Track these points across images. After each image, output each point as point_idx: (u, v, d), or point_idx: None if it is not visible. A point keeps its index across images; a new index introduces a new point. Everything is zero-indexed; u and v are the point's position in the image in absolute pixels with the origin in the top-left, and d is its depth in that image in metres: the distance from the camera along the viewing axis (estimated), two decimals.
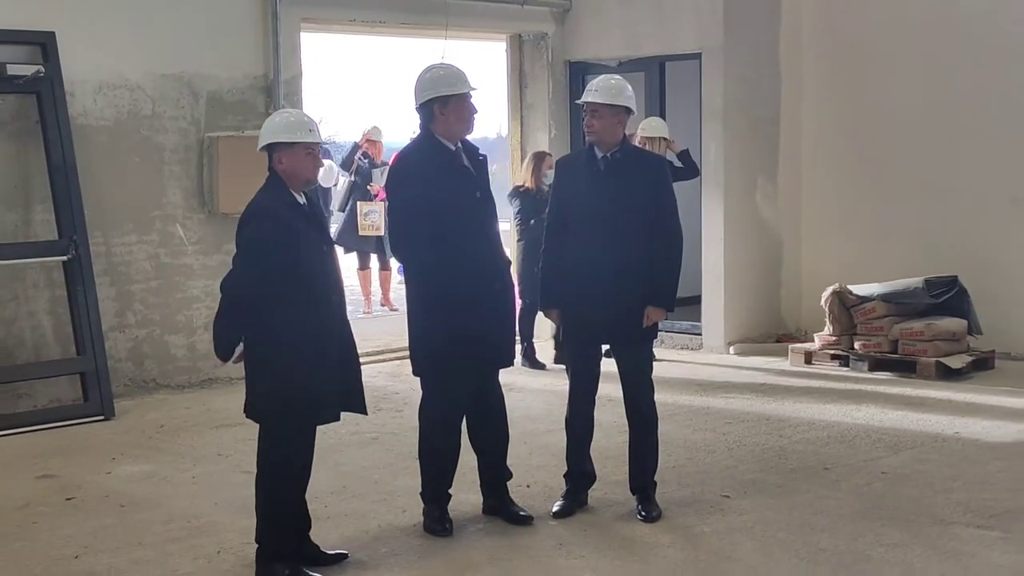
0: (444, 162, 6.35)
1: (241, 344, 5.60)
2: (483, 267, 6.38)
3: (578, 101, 6.70)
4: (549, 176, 9.84)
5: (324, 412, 5.75)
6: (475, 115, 6.43)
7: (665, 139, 10.59)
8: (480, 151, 6.59)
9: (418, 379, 6.51)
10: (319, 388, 5.64)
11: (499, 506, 6.61)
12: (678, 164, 10.56)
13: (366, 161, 14.50)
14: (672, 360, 10.99)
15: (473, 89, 6.38)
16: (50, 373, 9.23)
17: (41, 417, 8.93)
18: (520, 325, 9.99)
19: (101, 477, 7.58)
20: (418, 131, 6.65)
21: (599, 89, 6.60)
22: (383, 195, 12.55)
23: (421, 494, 6.51)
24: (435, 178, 6.30)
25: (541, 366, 10.80)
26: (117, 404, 9.22)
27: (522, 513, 6.55)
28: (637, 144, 10.00)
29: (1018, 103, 10.69)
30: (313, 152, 5.75)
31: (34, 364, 9.23)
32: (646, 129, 10.65)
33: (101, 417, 9.03)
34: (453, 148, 6.38)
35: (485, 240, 6.46)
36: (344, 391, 5.78)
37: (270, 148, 5.69)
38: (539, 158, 10.80)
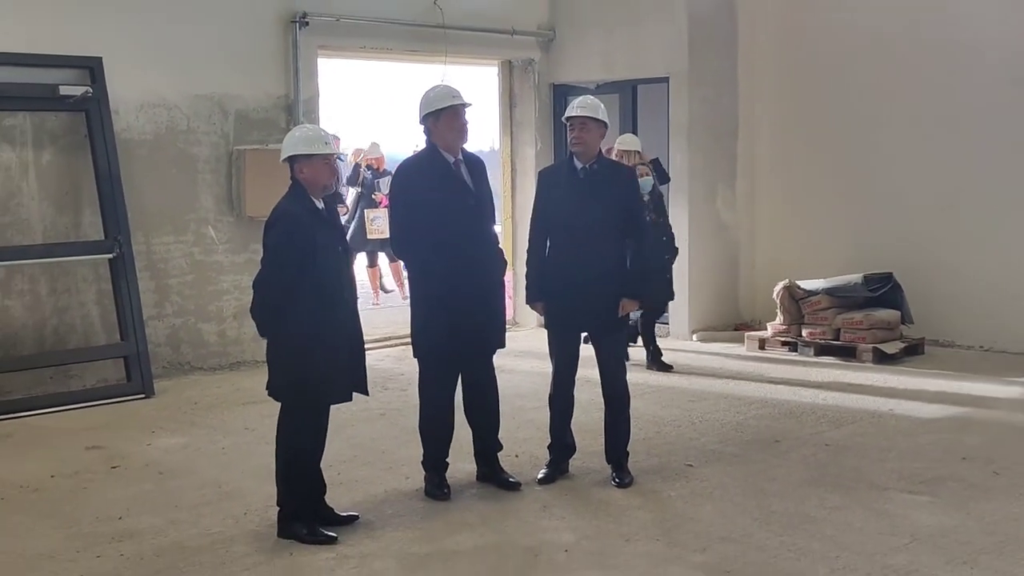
0: (439, 171, 6.34)
1: None
2: (473, 266, 6.34)
3: (566, 116, 6.65)
4: None
5: (335, 394, 5.78)
6: (464, 124, 6.38)
7: (639, 152, 10.57)
8: (479, 159, 6.60)
9: (417, 362, 6.53)
10: (331, 374, 5.66)
11: (491, 474, 6.62)
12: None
13: (370, 173, 14.50)
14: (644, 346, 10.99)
15: (462, 103, 6.34)
16: (97, 357, 9.21)
17: (89, 395, 8.91)
18: (643, 330, 9.98)
19: (142, 448, 7.58)
20: (423, 145, 6.66)
21: (585, 106, 6.60)
22: (386, 202, 12.49)
23: (422, 463, 6.53)
24: (430, 186, 6.30)
25: (668, 368, 9.76)
26: (156, 384, 9.21)
27: (511, 480, 6.56)
28: (614, 157, 10.03)
29: (945, 120, 10.68)
30: (330, 162, 5.78)
31: (84, 349, 9.22)
32: (622, 144, 10.62)
33: (142, 395, 9.02)
34: (452, 159, 6.37)
35: (475, 241, 6.40)
36: (352, 376, 5.80)
37: (292, 159, 5.68)
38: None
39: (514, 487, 6.51)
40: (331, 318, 5.63)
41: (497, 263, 6.62)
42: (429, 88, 6.49)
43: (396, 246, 6.86)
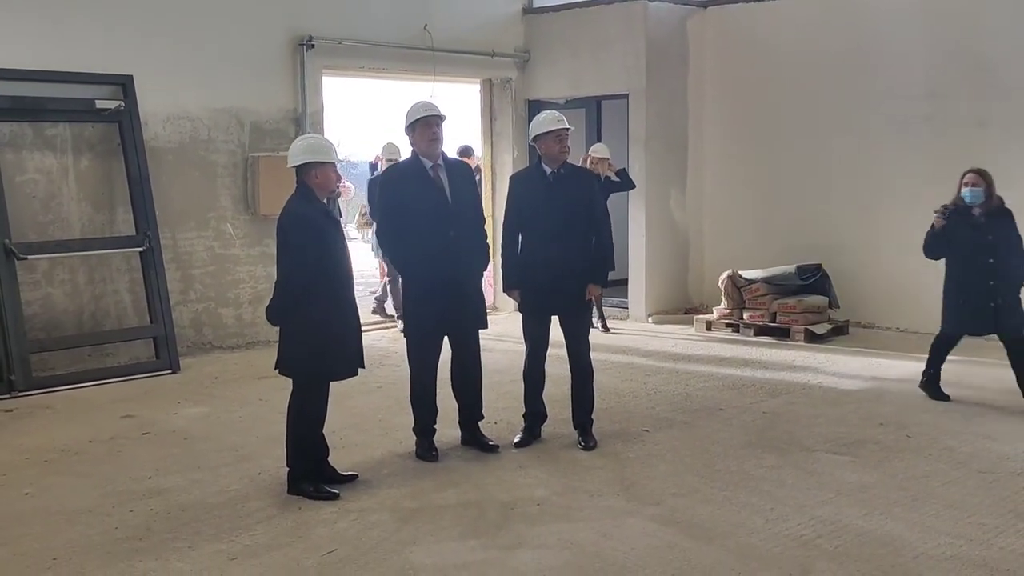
0: (417, 175, 6.34)
1: None
2: (447, 257, 6.30)
3: (552, 128, 6.57)
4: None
5: (339, 371, 5.76)
6: (435, 133, 6.31)
7: (608, 160, 10.56)
8: (464, 164, 6.63)
9: (406, 341, 6.54)
10: (339, 353, 5.64)
11: (472, 438, 6.63)
12: (615, 179, 10.50)
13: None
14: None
15: (434, 115, 6.30)
16: (130, 338, 9.17)
17: (123, 371, 8.87)
18: (932, 352, 7.90)
19: (169, 417, 7.57)
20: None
21: (563, 119, 6.60)
22: None
23: (413, 429, 6.53)
24: (407, 188, 6.32)
25: (945, 397, 7.73)
26: (182, 361, 9.18)
27: (490, 443, 6.58)
28: (588, 164, 10.06)
29: (867, 130, 10.73)
30: (336, 168, 5.75)
31: (118, 330, 9.17)
32: (596, 152, 10.60)
33: (169, 371, 8.99)
34: (429, 164, 6.35)
35: (449, 235, 6.32)
36: (354, 353, 5.78)
37: (306, 166, 5.61)
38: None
39: (493, 449, 6.53)
40: (340, 304, 5.61)
41: (476, 255, 6.57)
42: (409, 107, 6.48)
43: (379, 240, 6.88)
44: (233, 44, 9.88)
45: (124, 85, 9.13)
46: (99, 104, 8.93)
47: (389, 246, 6.64)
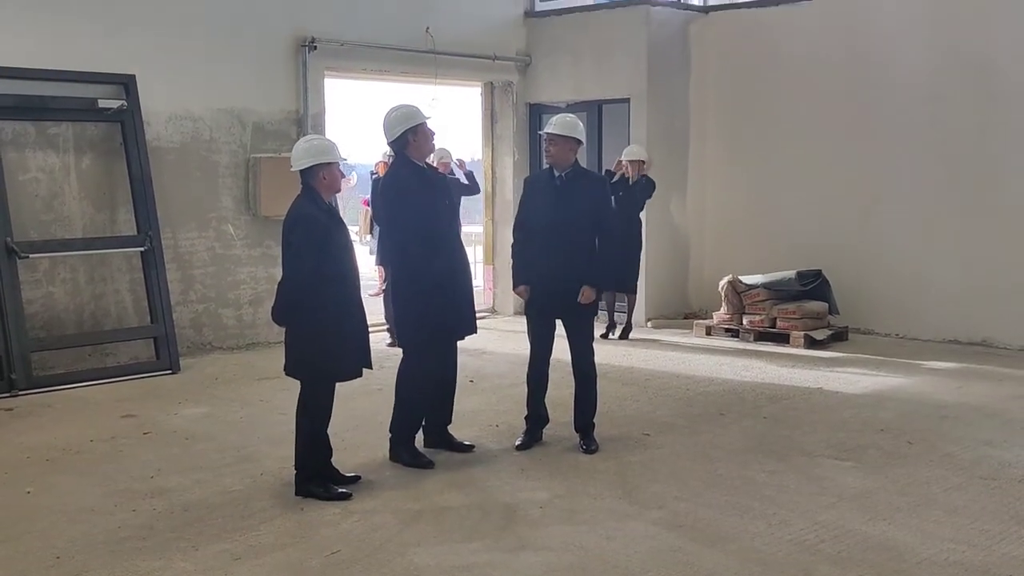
0: (422, 178, 6.32)
1: None
2: (453, 258, 6.33)
3: (540, 132, 6.71)
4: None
5: (346, 372, 5.75)
6: (434, 136, 6.38)
7: (642, 161, 10.57)
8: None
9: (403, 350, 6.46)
10: (346, 353, 5.64)
11: (440, 440, 6.57)
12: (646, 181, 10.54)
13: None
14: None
15: (428, 118, 6.32)
16: (131, 337, 9.17)
17: (124, 371, 8.87)
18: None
19: (170, 417, 7.57)
20: (392, 157, 6.64)
21: (556, 124, 6.64)
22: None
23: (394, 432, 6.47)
24: (416, 191, 6.25)
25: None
26: (182, 361, 9.18)
27: (465, 443, 6.56)
28: (622, 167, 10.10)
29: (866, 134, 10.76)
30: (340, 168, 5.75)
31: (118, 330, 9.17)
32: (629, 155, 10.60)
33: (169, 371, 8.99)
34: (424, 166, 6.38)
35: (454, 237, 6.44)
36: (361, 354, 5.78)
37: (311, 168, 5.59)
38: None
39: (468, 449, 6.51)
40: (347, 304, 5.61)
41: (466, 259, 6.63)
42: (393, 109, 6.31)
43: (386, 241, 6.83)
44: (236, 45, 9.90)
45: (126, 85, 9.14)
46: (101, 103, 8.94)
47: (401, 248, 6.39)
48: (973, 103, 10.10)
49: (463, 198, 11.06)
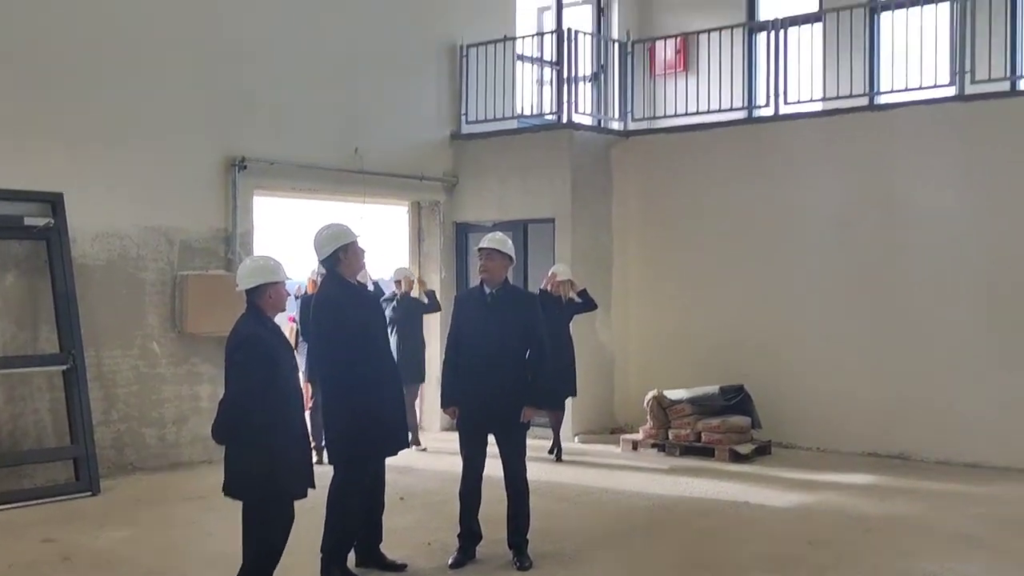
0: (355, 295, 6.39)
1: None
2: (385, 374, 6.37)
3: (477, 247, 6.84)
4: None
5: (293, 491, 5.58)
6: (364, 253, 6.49)
7: (571, 281, 10.69)
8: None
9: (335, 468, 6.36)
10: (291, 474, 5.51)
11: (371, 559, 6.49)
12: (578, 300, 10.65)
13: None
14: (535, 447, 11.00)
15: (358, 236, 6.43)
16: (50, 459, 8.90)
17: (41, 493, 8.60)
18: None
19: (92, 541, 7.33)
20: (321, 275, 6.67)
21: (492, 240, 6.79)
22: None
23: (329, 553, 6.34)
24: (350, 307, 6.28)
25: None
26: (103, 483, 8.91)
27: (398, 562, 6.49)
28: (550, 286, 10.20)
29: (783, 258, 11.15)
30: (285, 287, 5.75)
31: (37, 451, 8.92)
32: (562, 274, 10.67)
33: (90, 493, 8.73)
34: (356, 283, 6.47)
35: (387, 354, 6.52)
36: (307, 471, 5.68)
37: (258, 287, 5.55)
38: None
39: (400, 568, 6.45)
40: (290, 424, 5.53)
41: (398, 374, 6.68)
42: (324, 228, 6.40)
43: (316, 362, 6.83)
44: (166, 163, 9.94)
45: (53, 203, 9.09)
46: (28, 221, 8.88)
47: (333, 369, 6.38)
48: (879, 227, 10.58)
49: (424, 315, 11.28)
